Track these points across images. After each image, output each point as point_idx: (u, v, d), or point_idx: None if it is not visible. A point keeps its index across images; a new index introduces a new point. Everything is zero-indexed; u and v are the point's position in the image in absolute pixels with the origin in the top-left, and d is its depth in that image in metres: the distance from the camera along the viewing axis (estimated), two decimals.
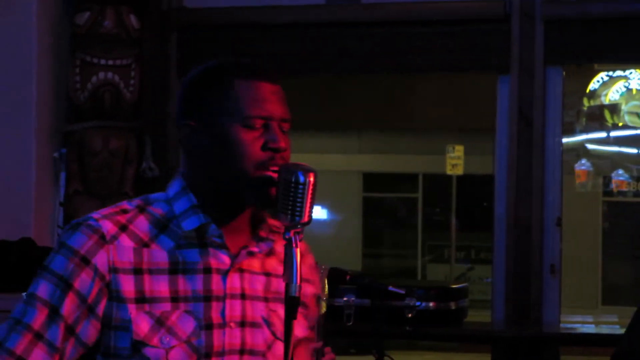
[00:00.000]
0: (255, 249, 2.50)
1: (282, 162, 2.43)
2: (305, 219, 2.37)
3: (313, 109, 16.29)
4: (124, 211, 2.39)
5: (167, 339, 2.37)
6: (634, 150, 17.82)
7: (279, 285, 2.46)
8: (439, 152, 17.03)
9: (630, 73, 16.40)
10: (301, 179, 2.36)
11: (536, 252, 5.81)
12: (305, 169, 2.39)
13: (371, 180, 20.21)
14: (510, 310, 5.86)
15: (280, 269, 2.44)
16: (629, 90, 16.77)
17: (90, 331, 2.32)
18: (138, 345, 2.32)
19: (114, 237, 2.31)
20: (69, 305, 2.30)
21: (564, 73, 5.93)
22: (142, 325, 2.32)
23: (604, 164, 17.69)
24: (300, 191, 2.38)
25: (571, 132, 16.05)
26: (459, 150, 16.58)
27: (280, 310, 2.48)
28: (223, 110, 2.42)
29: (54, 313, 2.26)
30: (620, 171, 17.67)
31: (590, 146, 17.41)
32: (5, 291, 5.45)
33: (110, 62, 6.01)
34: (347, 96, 14.65)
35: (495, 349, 5.82)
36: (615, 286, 17.82)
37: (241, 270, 2.53)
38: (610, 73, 16.64)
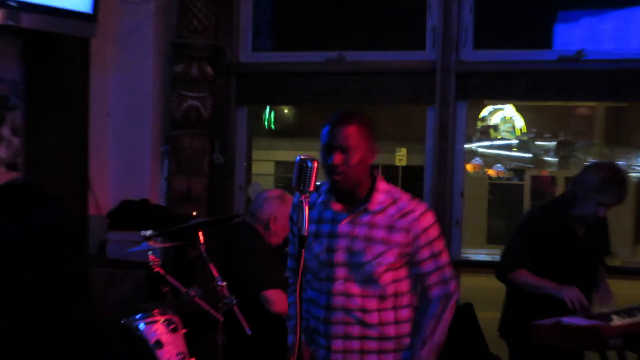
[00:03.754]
0: (360, 209, 2.97)
1: (341, 171, 2.95)
2: (311, 188, 2.77)
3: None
4: (316, 189, 2.93)
5: (310, 254, 3.02)
6: (507, 152, 20.67)
7: (373, 233, 2.96)
8: (391, 151, 18.76)
9: (505, 107, 18.40)
10: (309, 164, 2.75)
11: (448, 212, 5.95)
12: (312, 159, 2.76)
13: None
14: None
15: (374, 226, 2.97)
16: (504, 117, 18.91)
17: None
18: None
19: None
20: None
21: (467, 105, 6.01)
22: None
23: (488, 160, 20.61)
24: (309, 172, 2.74)
25: (470, 141, 18.29)
26: (403, 150, 18.66)
27: (376, 247, 2.96)
28: (321, 140, 2.96)
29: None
30: (499, 165, 20.84)
31: (481, 149, 20.07)
32: (129, 229, 5.58)
33: (195, 94, 6.07)
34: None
35: None
36: (495, 232, 19.90)
37: (352, 222, 3.00)
38: (494, 106, 18.60)
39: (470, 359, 5.05)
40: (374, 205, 3.01)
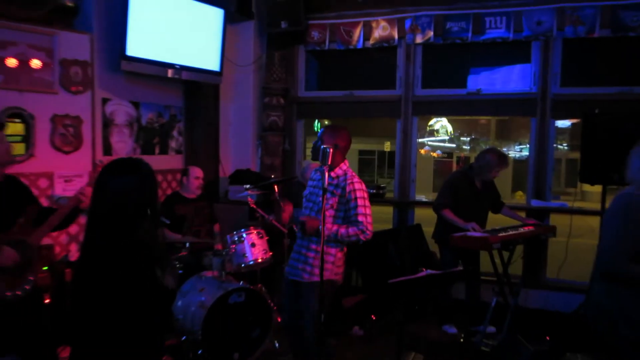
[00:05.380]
0: (326, 176, 2.68)
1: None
2: (329, 163, 2.63)
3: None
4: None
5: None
6: (443, 144, 20.80)
7: (327, 188, 2.74)
8: (382, 143, 18.37)
9: (442, 119, 18.34)
10: (328, 150, 2.61)
11: (408, 175, 5.60)
12: (329, 147, 2.63)
13: (364, 152, 21.36)
14: (400, 192, 5.59)
15: (330, 185, 2.81)
16: (442, 125, 18.86)
17: None
18: None
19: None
20: None
21: (418, 118, 5.56)
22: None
23: (434, 148, 20.55)
24: (327, 154, 2.60)
25: (422, 137, 17.65)
26: (388, 143, 18.77)
27: (327, 195, 2.79)
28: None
29: None
30: (439, 151, 20.00)
31: (429, 142, 20.02)
32: (240, 184, 5.31)
33: (275, 114, 5.82)
34: (354, 125, 13.29)
35: (395, 208, 5.61)
36: (436, 185, 20.04)
37: (322, 182, 2.74)
38: (436, 119, 17.93)
39: (418, 252, 4.90)
40: (333, 174, 2.88)
